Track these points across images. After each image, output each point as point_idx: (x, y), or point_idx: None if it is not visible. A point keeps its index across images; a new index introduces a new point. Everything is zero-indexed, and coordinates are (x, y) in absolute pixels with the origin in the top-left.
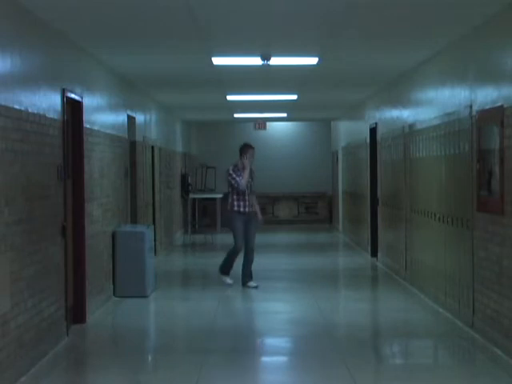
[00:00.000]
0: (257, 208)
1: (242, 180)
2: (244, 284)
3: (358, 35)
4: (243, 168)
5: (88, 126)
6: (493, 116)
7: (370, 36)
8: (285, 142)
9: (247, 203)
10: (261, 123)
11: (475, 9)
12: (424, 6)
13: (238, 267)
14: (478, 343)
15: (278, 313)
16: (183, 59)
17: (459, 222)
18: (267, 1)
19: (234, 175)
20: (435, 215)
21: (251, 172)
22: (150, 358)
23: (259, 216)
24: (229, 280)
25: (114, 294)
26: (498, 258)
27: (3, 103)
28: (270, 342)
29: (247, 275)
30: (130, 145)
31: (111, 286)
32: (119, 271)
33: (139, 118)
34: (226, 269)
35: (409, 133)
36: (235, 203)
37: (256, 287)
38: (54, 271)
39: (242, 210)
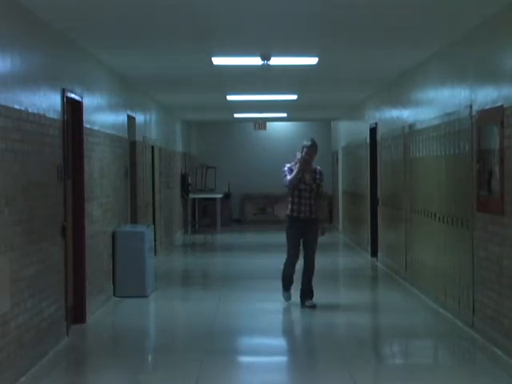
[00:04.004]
0: (320, 215)
1: (288, 177)
2: (302, 304)
3: (358, 35)
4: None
5: (88, 126)
6: (493, 116)
7: (369, 36)
8: (285, 142)
9: (303, 208)
10: (261, 123)
11: (475, 9)
12: (424, 5)
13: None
14: (477, 343)
15: (277, 313)
16: (183, 59)
17: (459, 221)
18: (267, 1)
19: (286, 172)
20: (435, 215)
21: (316, 174)
22: (150, 357)
23: (321, 225)
24: (286, 297)
25: (113, 294)
26: (498, 258)
27: (3, 103)
28: (270, 341)
29: (304, 293)
30: (130, 145)
31: (111, 286)
32: (119, 271)
33: (139, 117)
34: (283, 282)
35: (409, 133)
36: (289, 206)
37: (313, 307)
38: (54, 271)
39: (295, 214)
